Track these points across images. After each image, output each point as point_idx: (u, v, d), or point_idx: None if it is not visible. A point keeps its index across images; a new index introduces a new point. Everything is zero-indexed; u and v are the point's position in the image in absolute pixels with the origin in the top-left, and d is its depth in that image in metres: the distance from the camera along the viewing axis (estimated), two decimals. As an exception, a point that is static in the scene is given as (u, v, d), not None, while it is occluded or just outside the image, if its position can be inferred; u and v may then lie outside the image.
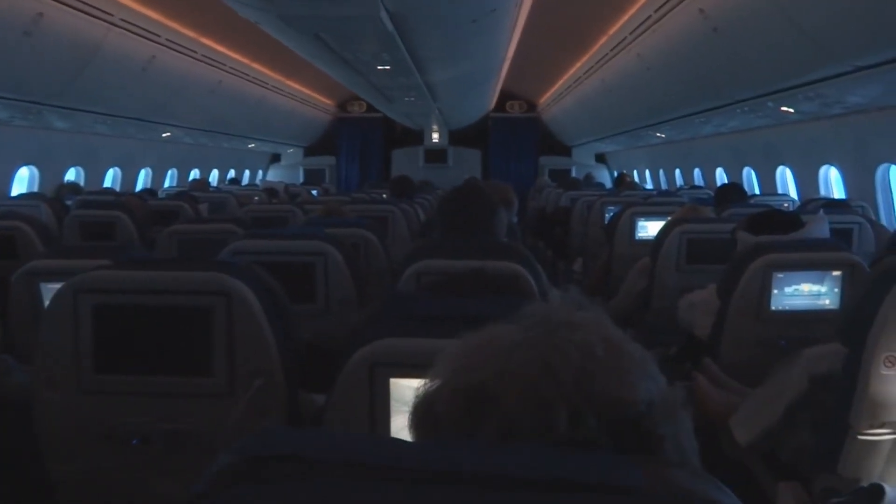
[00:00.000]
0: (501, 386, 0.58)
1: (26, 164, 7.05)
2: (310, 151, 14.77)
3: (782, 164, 7.15)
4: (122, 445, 1.54)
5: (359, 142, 14.68)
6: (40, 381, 1.55)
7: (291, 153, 14.73)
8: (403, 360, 1.06)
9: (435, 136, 14.34)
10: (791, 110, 5.47)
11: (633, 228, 4.29)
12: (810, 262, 2.47)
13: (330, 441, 0.52)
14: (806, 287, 2.48)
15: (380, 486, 0.46)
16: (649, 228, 4.20)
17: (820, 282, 2.47)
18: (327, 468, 0.48)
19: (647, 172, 11.94)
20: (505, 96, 13.36)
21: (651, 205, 4.94)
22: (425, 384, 0.63)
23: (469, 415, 0.58)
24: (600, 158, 14.43)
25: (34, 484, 1.61)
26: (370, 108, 13.09)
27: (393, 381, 1.07)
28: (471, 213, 2.29)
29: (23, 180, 7.13)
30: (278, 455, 0.50)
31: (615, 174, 13.95)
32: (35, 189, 6.89)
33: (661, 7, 5.37)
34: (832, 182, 6.42)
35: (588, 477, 0.47)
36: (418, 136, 14.40)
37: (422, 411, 0.62)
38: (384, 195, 6.29)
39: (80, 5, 5.03)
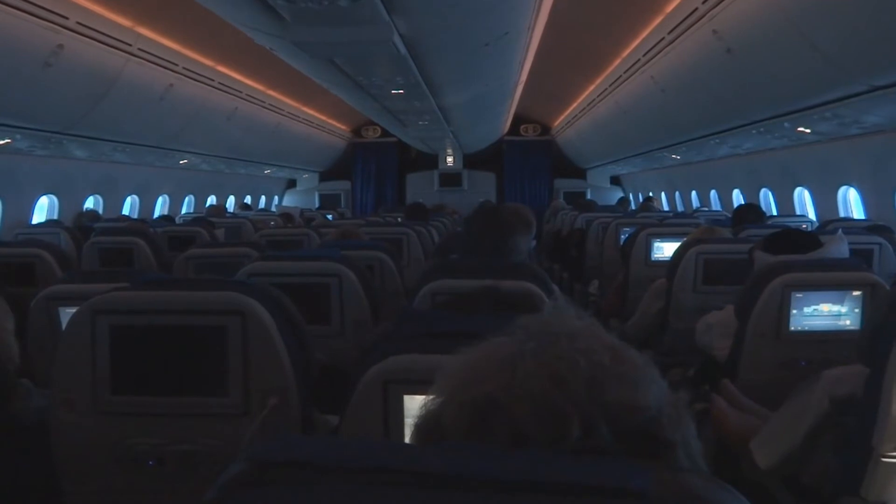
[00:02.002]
0: (510, 398, 0.58)
1: (46, 193, 7.16)
2: (325, 177, 14.89)
3: (800, 185, 7.10)
4: (137, 467, 1.54)
5: (374, 166, 14.78)
6: (58, 403, 1.56)
7: (307, 178, 14.86)
8: (417, 377, 1.06)
9: (449, 159, 14.41)
10: (808, 131, 5.45)
11: (648, 249, 4.27)
12: (830, 281, 2.44)
13: (340, 447, 0.52)
14: (826, 307, 2.44)
15: (390, 491, 0.46)
16: (665, 249, 4.17)
17: (840, 302, 2.43)
18: (338, 473, 0.48)
19: (663, 195, 11.91)
20: (519, 120, 13.43)
21: (667, 226, 4.92)
22: (427, 401, 0.63)
23: (477, 427, 0.58)
24: (615, 181, 14.42)
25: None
26: (385, 132, 13.21)
27: (407, 397, 1.07)
28: (488, 237, 2.31)
29: (42, 208, 7.25)
30: (289, 461, 0.50)
31: (630, 196, 13.93)
32: (55, 217, 7.00)
33: (674, 29, 5.39)
34: (851, 203, 6.36)
35: (596, 481, 0.46)
36: (433, 161, 14.48)
37: (427, 428, 0.62)
38: (399, 219, 6.31)
39: (99, 36, 5.13)
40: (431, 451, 0.51)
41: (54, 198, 7.27)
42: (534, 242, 3.90)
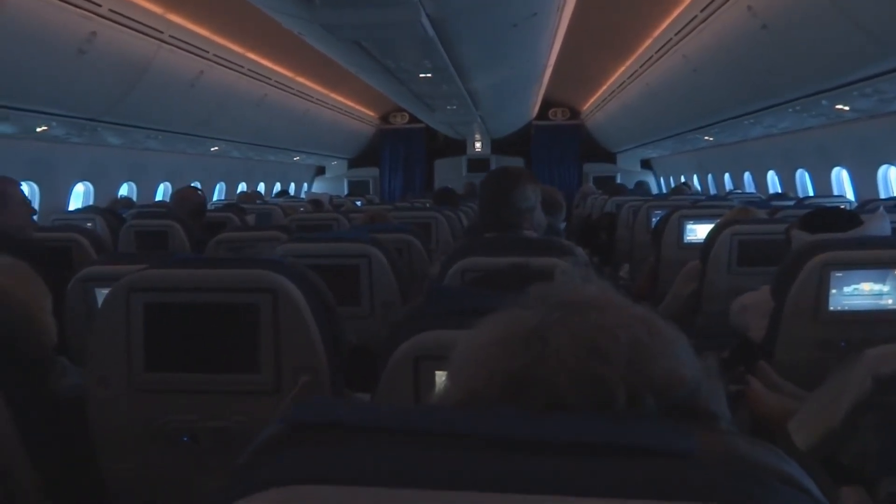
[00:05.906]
0: (547, 369, 0.56)
1: (82, 180, 7.30)
2: (354, 163, 14.95)
3: (838, 165, 6.92)
4: (171, 443, 1.56)
5: (402, 153, 14.79)
6: (94, 380, 1.58)
7: (336, 165, 14.93)
8: (448, 353, 1.05)
9: (477, 145, 14.35)
10: (847, 108, 5.30)
11: (681, 232, 4.20)
12: (871, 259, 2.37)
13: (374, 409, 0.51)
14: (867, 286, 2.37)
15: (426, 453, 0.45)
16: (698, 231, 4.10)
17: (882, 281, 2.36)
18: (371, 435, 0.47)
19: (695, 177, 11.72)
20: (547, 104, 13.31)
21: (700, 207, 4.84)
22: (451, 375, 0.61)
23: (511, 397, 0.57)
24: (646, 164, 14.23)
25: (89, 484, 1.64)
26: (412, 118, 13.20)
27: (438, 373, 1.06)
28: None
29: (78, 195, 7.39)
30: (323, 422, 0.49)
31: (661, 180, 13.74)
32: (90, 204, 7.12)
33: (707, 6, 5.27)
34: (892, 183, 6.19)
35: (642, 442, 0.45)
36: (461, 146, 14.44)
37: (456, 399, 0.61)
38: (427, 204, 6.29)
39: (131, 23, 5.19)
40: (470, 414, 0.50)
41: (89, 185, 7.41)
42: (563, 224, 3.87)
